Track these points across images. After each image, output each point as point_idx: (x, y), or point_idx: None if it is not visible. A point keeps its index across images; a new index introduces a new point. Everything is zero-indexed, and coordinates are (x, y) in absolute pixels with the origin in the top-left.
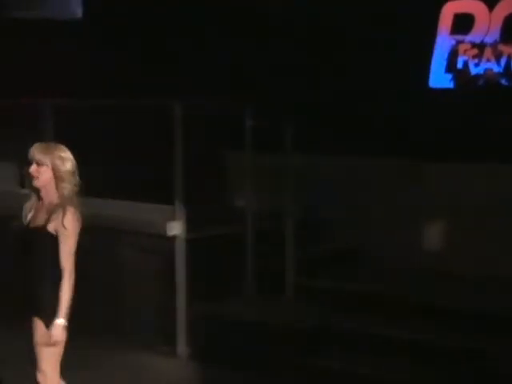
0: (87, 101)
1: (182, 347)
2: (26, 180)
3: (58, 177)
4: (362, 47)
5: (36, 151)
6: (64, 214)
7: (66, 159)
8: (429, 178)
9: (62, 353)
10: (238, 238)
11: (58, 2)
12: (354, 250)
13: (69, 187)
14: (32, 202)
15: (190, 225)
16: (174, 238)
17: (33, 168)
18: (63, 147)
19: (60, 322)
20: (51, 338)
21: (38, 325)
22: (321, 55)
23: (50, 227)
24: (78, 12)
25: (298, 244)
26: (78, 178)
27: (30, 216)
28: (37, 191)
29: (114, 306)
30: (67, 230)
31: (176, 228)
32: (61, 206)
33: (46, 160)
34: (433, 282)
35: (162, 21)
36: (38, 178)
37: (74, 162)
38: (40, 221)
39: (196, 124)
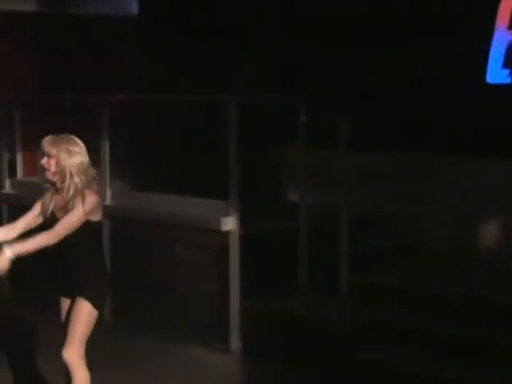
0: (144, 96)
1: (235, 343)
2: (40, 172)
3: (64, 170)
4: (417, 44)
5: (46, 143)
6: (77, 204)
7: (75, 152)
8: (492, 175)
9: (87, 335)
10: (292, 233)
11: None
12: (411, 246)
13: (78, 180)
14: (50, 193)
15: (244, 220)
16: (228, 233)
17: (44, 160)
18: (75, 140)
19: (7, 253)
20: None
21: (66, 306)
22: (376, 50)
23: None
24: (134, 8)
25: (352, 240)
26: (92, 170)
27: (51, 207)
28: (52, 183)
29: (167, 301)
30: (77, 208)
31: (230, 223)
32: (72, 200)
33: (54, 152)
34: (494, 280)
35: (215, 18)
36: (48, 169)
37: (85, 155)
38: (60, 214)
39: (251, 120)
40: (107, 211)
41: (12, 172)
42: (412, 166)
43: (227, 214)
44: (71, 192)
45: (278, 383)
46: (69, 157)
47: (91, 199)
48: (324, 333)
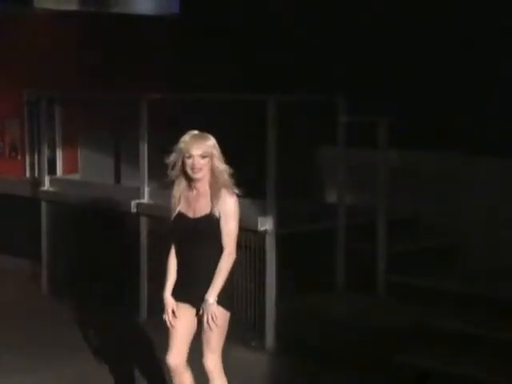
0: (182, 94)
1: (270, 342)
2: (170, 171)
3: (216, 166)
4: (454, 46)
5: (196, 144)
6: (227, 197)
7: (217, 146)
8: None
9: (223, 337)
10: (329, 233)
11: None
12: (449, 247)
13: (224, 173)
14: (180, 190)
15: (281, 220)
16: (264, 233)
17: (197, 161)
18: (210, 135)
19: (210, 301)
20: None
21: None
22: (416, 54)
23: (216, 213)
24: (175, 8)
25: (390, 241)
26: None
27: (180, 207)
28: (188, 179)
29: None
30: (231, 211)
31: (267, 223)
32: (221, 191)
33: (209, 151)
34: None
35: (253, 19)
36: (201, 169)
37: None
38: (203, 208)
39: (289, 119)
40: (145, 209)
41: (51, 169)
42: (451, 166)
43: (264, 214)
44: (218, 186)
45: (313, 383)
46: (217, 152)
47: (235, 199)
48: (360, 333)
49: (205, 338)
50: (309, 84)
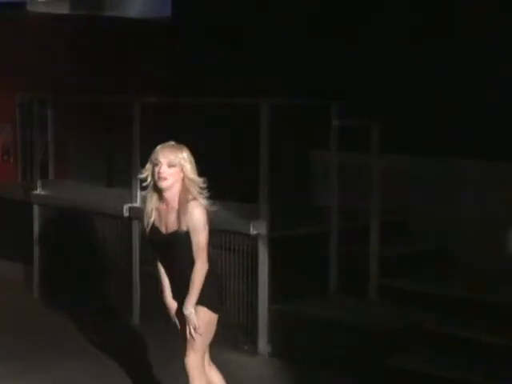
0: (175, 98)
1: (263, 345)
2: (147, 181)
3: (185, 177)
4: (446, 50)
5: (165, 152)
6: (192, 210)
7: (191, 159)
8: None
9: (208, 338)
10: (321, 237)
11: (148, 1)
12: (441, 250)
13: (195, 186)
14: (153, 203)
15: (274, 224)
16: (257, 236)
17: (163, 169)
18: (185, 147)
19: (186, 312)
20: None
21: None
22: (409, 54)
23: (184, 227)
24: (167, 11)
25: (382, 244)
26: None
27: (154, 217)
28: (159, 192)
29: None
30: (198, 223)
31: (260, 227)
32: (188, 204)
33: (177, 161)
34: None
35: (249, 21)
36: (167, 179)
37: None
38: (172, 223)
39: (282, 123)
40: (138, 213)
41: (44, 173)
42: (442, 170)
43: (257, 218)
44: (186, 199)
45: None
46: (188, 163)
47: (202, 210)
48: (353, 336)
49: (189, 337)
50: (302, 88)
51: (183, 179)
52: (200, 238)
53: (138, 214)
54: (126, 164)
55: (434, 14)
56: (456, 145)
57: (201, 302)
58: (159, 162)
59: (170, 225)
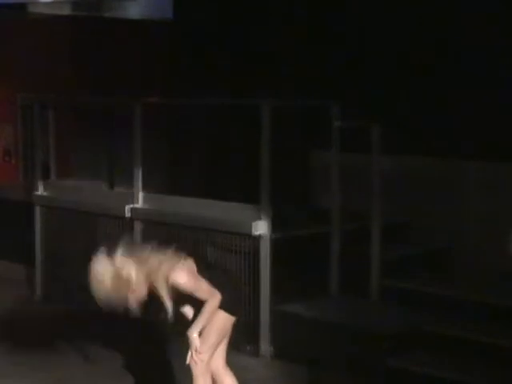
0: (176, 99)
1: (265, 346)
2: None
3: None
4: (448, 51)
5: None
6: (176, 281)
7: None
8: None
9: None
10: (323, 238)
11: (149, 2)
12: (442, 251)
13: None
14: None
15: (276, 225)
16: (259, 237)
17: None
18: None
19: (192, 335)
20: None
21: None
22: (410, 56)
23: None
24: (169, 13)
25: (383, 245)
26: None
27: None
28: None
29: (198, 304)
30: (186, 286)
31: (262, 228)
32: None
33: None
34: None
35: (249, 22)
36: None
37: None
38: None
39: (283, 124)
40: (139, 214)
41: (45, 174)
42: (445, 171)
43: (258, 219)
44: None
45: None
46: (136, 277)
47: (182, 274)
48: (354, 337)
49: (202, 335)
50: (303, 89)
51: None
52: (200, 293)
53: (140, 214)
54: (127, 164)
55: (434, 13)
56: (458, 145)
57: (223, 304)
58: None
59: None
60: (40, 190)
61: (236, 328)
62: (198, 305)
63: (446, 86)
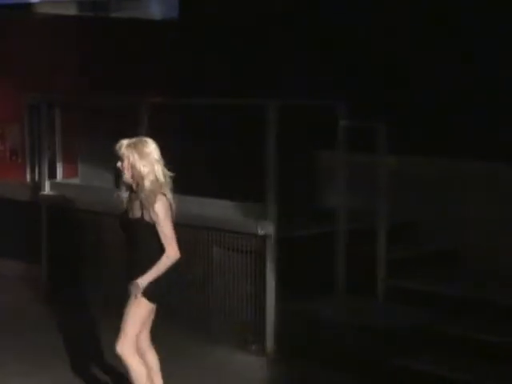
0: (183, 99)
1: (270, 345)
2: (118, 174)
3: (137, 171)
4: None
5: (121, 147)
6: (152, 204)
7: (147, 153)
8: None
9: (146, 323)
10: (329, 237)
11: (154, 2)
12: (449, 251)
13: (151, 179)
14: (127, 193)
15: (281, 224)
16: (265, 236)
17: (119, 163)
18: (147, 141)
19: (141, 284)
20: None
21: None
22: (414, 55)
23: (146, 217)
24: (174, 12)
25: (390, 244)
26: (164, 169)
27: (125, 206)
28: (128, 184)
29: (203, 303)
30: (159, 217)
31: (267, 227)
32: (147, 199)
33: (129, 155)
34: None
35: (252, 21)
36: (124, 172)
37: (157, 155)
38: (137, 213)
39: (289, 123)
40: None
41: (52, 173)
42: (451, 171)
43: (264, 218)
44: (145, 194)
45: None
46: (141, 158)
47: (160, 209)
48: (360, 336)
49: (122, 321)
50: (309, 88)
51: (132, 171)
52: (165, 230)
53: None
54: None
55: (437, 14)
56: (465, 145)
57: (144, 289)
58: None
59: (134, 211)
60: (46, 190)
61: (242, 327)
62: (145, 243)
63: (453, 86)
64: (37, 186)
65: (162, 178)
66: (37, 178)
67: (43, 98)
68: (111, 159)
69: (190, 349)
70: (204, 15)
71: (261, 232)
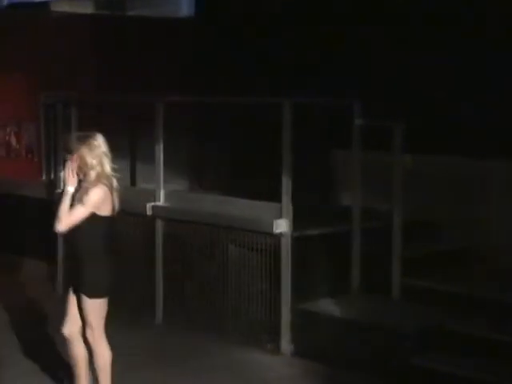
0: (198, 98)
1: (285, 344)
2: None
3: (85, 163)
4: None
5: (71, 141)
6: (90, 190)
7: (95, 146)
8: None
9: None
10: (344, 236)
11: (171, 0)
12: (465, 250)
13: (98, 171)
14: (72, 188)
15: (296, 223)
16: (280, 235)
17: (68, 156)
18: (95, 136)
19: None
20: None
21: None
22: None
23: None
24: (191, 10)
25: (405, 243)
26: (110, 164)
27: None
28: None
29: (218, 302)
30: (87, 198)
31: (283, 226)
32: (89, 186)
33: (79, 148)
34: None
35: (268, 20)
36: (73, 164)
37: (105, 148)
38: (79, 199)
39: (305, 122)
40: (161, 211)
41: None
42: (467, 170)
43: (279, 217)
44: (86, 184)
45: None
46: (89, 151)
47: (95, 192)
48: (376, 336)
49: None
50: (324, 87)
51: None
52: (79, 210)
53: (162, 212)
54: (149, 162)
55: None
56: (481, 144)
57: (84, 291)
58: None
59: (78, 201)
60: (61, 187)
61: (257, 326)
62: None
63: (471, 85)
64: (52, 184)
65: (108, 171)
66: (52, 175)
67: (59, 97)
68: (127, 156)
69: (204, 348)
70: (221, 13)
71: (276, 231)
